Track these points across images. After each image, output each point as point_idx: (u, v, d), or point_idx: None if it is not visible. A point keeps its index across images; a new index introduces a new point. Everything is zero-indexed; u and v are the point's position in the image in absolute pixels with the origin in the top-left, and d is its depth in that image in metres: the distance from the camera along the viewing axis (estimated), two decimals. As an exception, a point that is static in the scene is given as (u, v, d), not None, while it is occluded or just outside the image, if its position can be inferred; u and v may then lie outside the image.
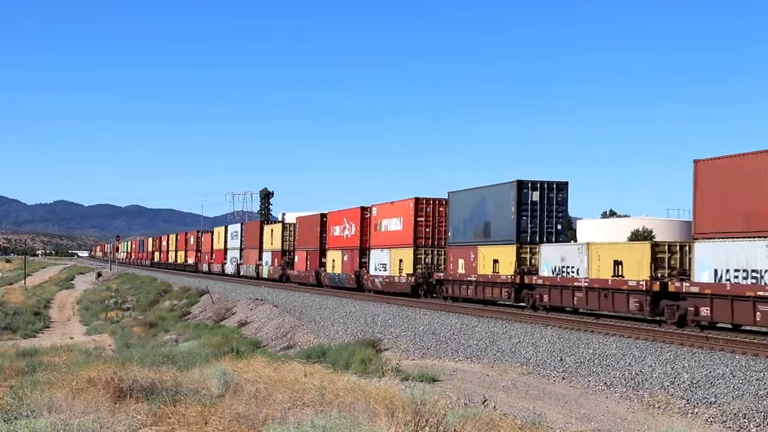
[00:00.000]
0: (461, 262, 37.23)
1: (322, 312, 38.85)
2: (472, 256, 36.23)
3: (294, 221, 64.43)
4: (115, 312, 59.39)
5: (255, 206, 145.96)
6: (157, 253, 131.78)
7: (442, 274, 39.53)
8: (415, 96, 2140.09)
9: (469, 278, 36.34)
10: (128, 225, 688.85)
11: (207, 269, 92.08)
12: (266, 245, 69.26)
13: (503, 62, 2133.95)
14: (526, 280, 32.42)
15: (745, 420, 15.74)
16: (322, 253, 54.97)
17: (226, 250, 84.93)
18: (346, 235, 50.62)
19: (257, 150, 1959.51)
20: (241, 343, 30.68)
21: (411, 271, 41.05)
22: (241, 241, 78.74)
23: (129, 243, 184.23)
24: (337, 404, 12.97)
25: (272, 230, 68.04)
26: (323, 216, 55.60)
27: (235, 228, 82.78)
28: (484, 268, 35.33)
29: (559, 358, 22.62)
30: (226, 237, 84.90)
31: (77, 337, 44.83)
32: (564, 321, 28.43)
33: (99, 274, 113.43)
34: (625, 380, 19.57)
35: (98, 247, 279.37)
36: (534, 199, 33.67)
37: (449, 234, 39.41)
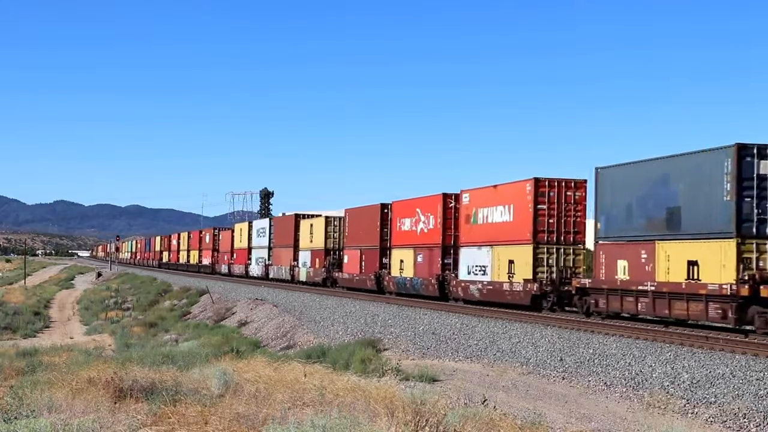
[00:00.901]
0: (623, 264, 27.30)
1: (322, 312, 38.83)
2: (644, 255, 26.13)
3: (341, 214, 54.26)
4: (115, 312, 59.38)
5: (255, 206, 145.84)
6: (165, 253, 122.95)
7: (587, 281, 29.24)
8: (414, 96, 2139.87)
9: (641, 287, 25.84)
10: (128, 225, 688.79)
11: (227, 271, 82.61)
12: (303, 243, 59.41)
13: (502, 63, 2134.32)
14: (764, 293, 21.86)
15: (745, 420, 15.74)
16: (384, 252, 45.36)
17: (250, 249, 74.99)
18: (422, 229, 40.97)
19: (257, 150, 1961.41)
20: (241, 343, 30.67)
21: (530, 276, 31.77)
22: (270, 239, 68.58)
23: (134, 242, 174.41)
24: (337, 404, 12.97)
25: (311, 225, 57.73)
26: (384, 207, 45.97)
27: (261, 224, 73.31)
28: (669, 274, 25.02)
29: (559, 358, 22.62)
30: (250, 234, 75.18)
31: (77, 337, 44.82)
32: (564, 321, 28.40)
33: (99, 274, 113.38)
34: (625, 380, 19.56)
35: (100, 247, 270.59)
36: (762, 171, 23.25)
37: (600, 225, 28.98)
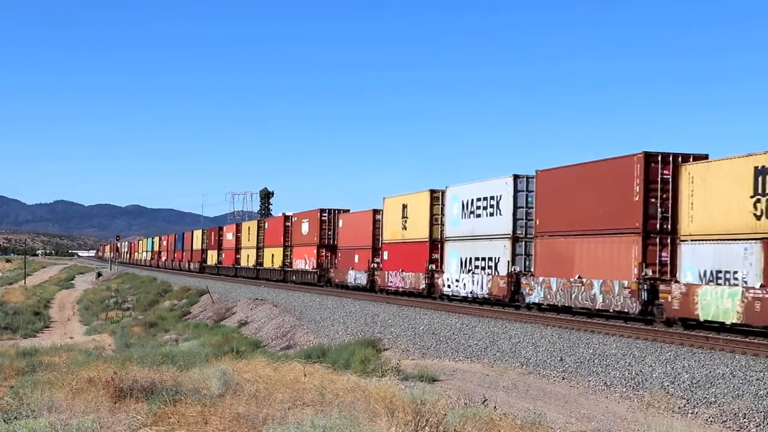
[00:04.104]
0: None
1: (322, 312, 38.80)
2: None
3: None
4: (115, 312, 59.46)
5: (255, 206, 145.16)
6: (212, 253, 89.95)
7: None
8: (413, 97, 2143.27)
9: None
10: (128, 225, 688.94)
11: (364, 283, 47.85)
12: (696, 224, 24.51)
13: (496, 66, 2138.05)
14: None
15: (745, 420, 15.74)
16: None
17: (436, 243, 40.20)
18: None
19: (257, 150, 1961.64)
20: (241, 343, 30.65)
21: None
22: (516, 219, 33.48)
23: (157, 240, 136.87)
24: (337, 404, 12.97)
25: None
26: None
27: (477, 190, 36.44)
28: None
29: (559, 358, 22.61)
30: (433, 214, 40.57)
31: (77, 337, 44.85)
32: (564, 321, 28.40)
33: (99, 274, 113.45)
34: (625, 380, 19.56)
35: (107, 246, 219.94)
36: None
37: None
